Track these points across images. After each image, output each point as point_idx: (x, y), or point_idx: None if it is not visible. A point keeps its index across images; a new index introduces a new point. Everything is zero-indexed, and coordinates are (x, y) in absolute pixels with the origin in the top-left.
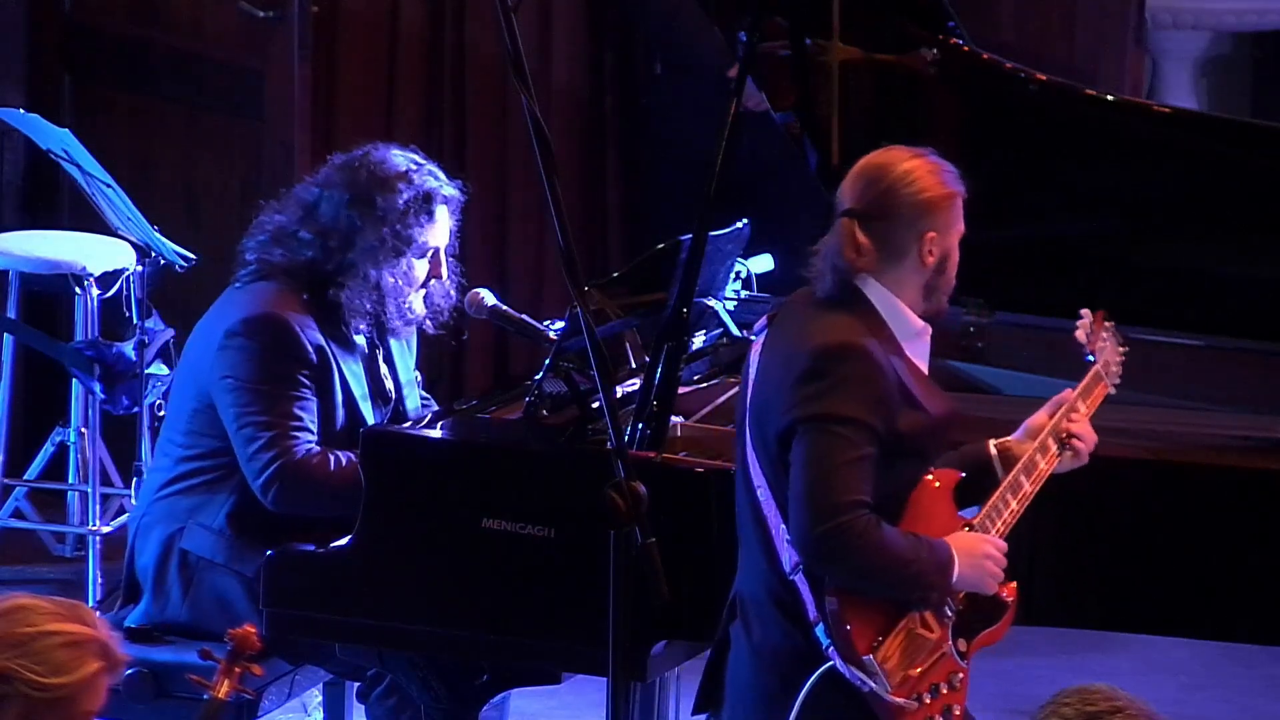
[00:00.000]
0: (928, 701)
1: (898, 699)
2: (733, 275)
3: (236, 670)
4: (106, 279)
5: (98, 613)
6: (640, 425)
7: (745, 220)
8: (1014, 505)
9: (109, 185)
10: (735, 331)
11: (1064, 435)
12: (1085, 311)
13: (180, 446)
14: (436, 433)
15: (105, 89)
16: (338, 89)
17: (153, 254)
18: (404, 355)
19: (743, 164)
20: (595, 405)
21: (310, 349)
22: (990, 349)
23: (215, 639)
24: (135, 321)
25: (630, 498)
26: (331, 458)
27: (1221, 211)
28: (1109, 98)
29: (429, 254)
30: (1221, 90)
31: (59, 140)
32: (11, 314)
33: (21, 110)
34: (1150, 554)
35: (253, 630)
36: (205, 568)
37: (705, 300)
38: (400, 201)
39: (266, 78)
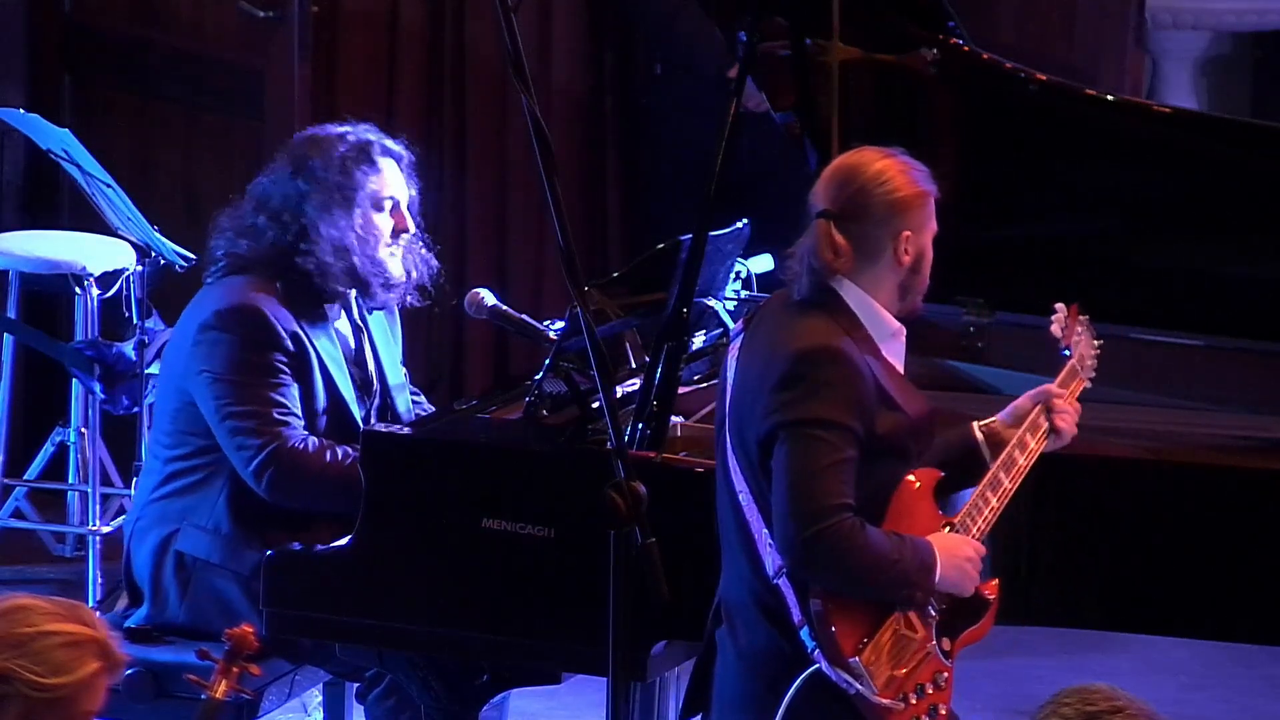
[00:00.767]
0: (914, 702)
1: (884, 700)
2: (733, 275)
3: (234, 670)
4: (106, 279)
5: (98, 613)
6: (640, 425)
7: (745, 220)
8: (994, 503)
9: (109, 185)
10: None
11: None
12: (1059, 306)
13: (167, 448)
14: (437, 433)
15: (105, 89)
16: (338, 89)
17: (153, 254)
18: (389, 344)
19: (743, 164)
20: (595, 405)
21: (286, 336)
22: (990, 349)
23: (215, 639)
24: (135, 321)
25: (630, 498)
26: (327, 446)
27: (1221, 211)
28: (1109, 98)
29: (388, 206)
30: (1221, 90)
31: (59, 140)
32: (11, 314)
33: (21, 110)
34: (1150, 554)
35: (250, 630)
36: (201, 568)
37: (705, 300)
38: (337, 155)
39: (266, 78)
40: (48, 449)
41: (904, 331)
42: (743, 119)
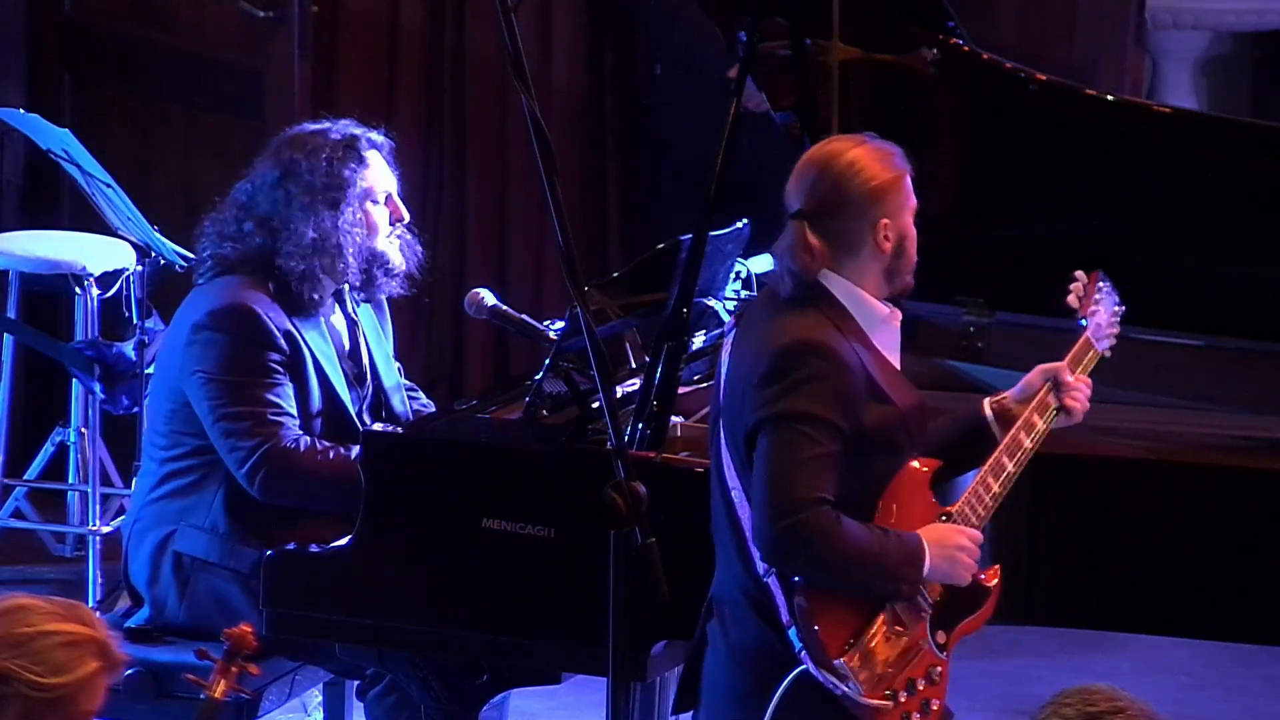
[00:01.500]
0: (903, 699)
1: (872, 700)
2: (733, 275)
3: (233, 670)
4: (106, 279)
5: (97, 613)
6: (640, 425)
7: (745, 220)
8: (996, 488)
9: (109, 185)
10: None
11: (1060, 394)
12: (1079, 274)
13: (162, 449)
14: (437, 433)
15: (105, 89)
16: (338, 89)
17: (153, 254)
18: (379, 339)
19: (743, 164)
20: (595, 405)
21: (279, 335)
22: (990, 349)
23: (215, 639)
24: (135, 321)
25: (630, 498)
26: (319, 445)
27: (1221, 211)
28: (1109, 98)
29: (382, 199)
30: (1221, 90)
31: (59, 140)
32: (11, 314)
33: (21, 110)
34: (1150, 554)
35: (249, 630)
36: (200, 568)
37: (705, 300)
38: (323, 156)
39: (266, 78)
40: (48, 449)
41: (898, 316)
42: (743, 119)
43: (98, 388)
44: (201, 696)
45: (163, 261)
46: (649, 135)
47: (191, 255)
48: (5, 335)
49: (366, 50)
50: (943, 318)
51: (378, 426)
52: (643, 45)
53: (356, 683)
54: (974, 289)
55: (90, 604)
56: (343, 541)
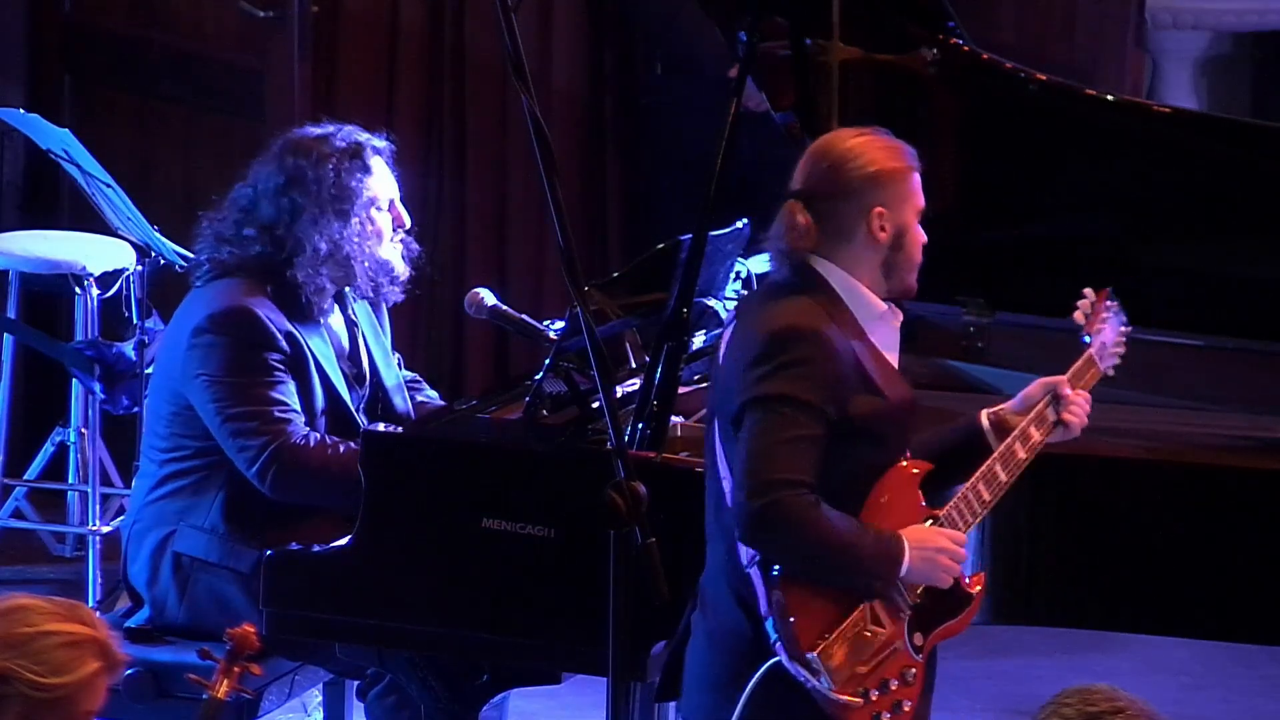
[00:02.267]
0: (874, 698)
1: (841, 696)
2: (733, 275)
3: (235, 670)
4: (106, 279)
5: (97, 613)
6: (640, 425)
7: (745, 220)
8: (986, 496)
9: (109, 185)
10: None
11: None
12: (1088, 291)
13: (162, 451)
14: (437, 433)
15: (105, 89)
16: (338, 89)
17: (153, 254)
18: (377, 336)
19: (743, 164)
20: (595, 405)
21: (280, 336)
22: (990, 349)
23: (215, 639)
24: (135, 321)
25: (630, 498)
26: (330, 443)
27: (1221, 211)
28: (1109, 98)
29: (385, 206)
30: (1221, 90)
31: (59, 140)
32: (11, 314)
33: (21, 110)
34: (1150, 554)
35: (251, 630)
36: (199, 568)
37: (705, 300)
38: (329, 165)
39: (266, 78)
40: (48, 449)
41: (898, 316)
42: (743, 119)
43: (98, 388)
44: (204, 697)
45: (163, 261)
46: (649, 135)
47: (192, 255)
48: (5, 335)
49: (366, 50)
50: (943, 318)
51: (378, 426)
52: (643, 45)
53: (356, 683)
54: (974, 289)
55: (90, 604)
56: (343, 541)
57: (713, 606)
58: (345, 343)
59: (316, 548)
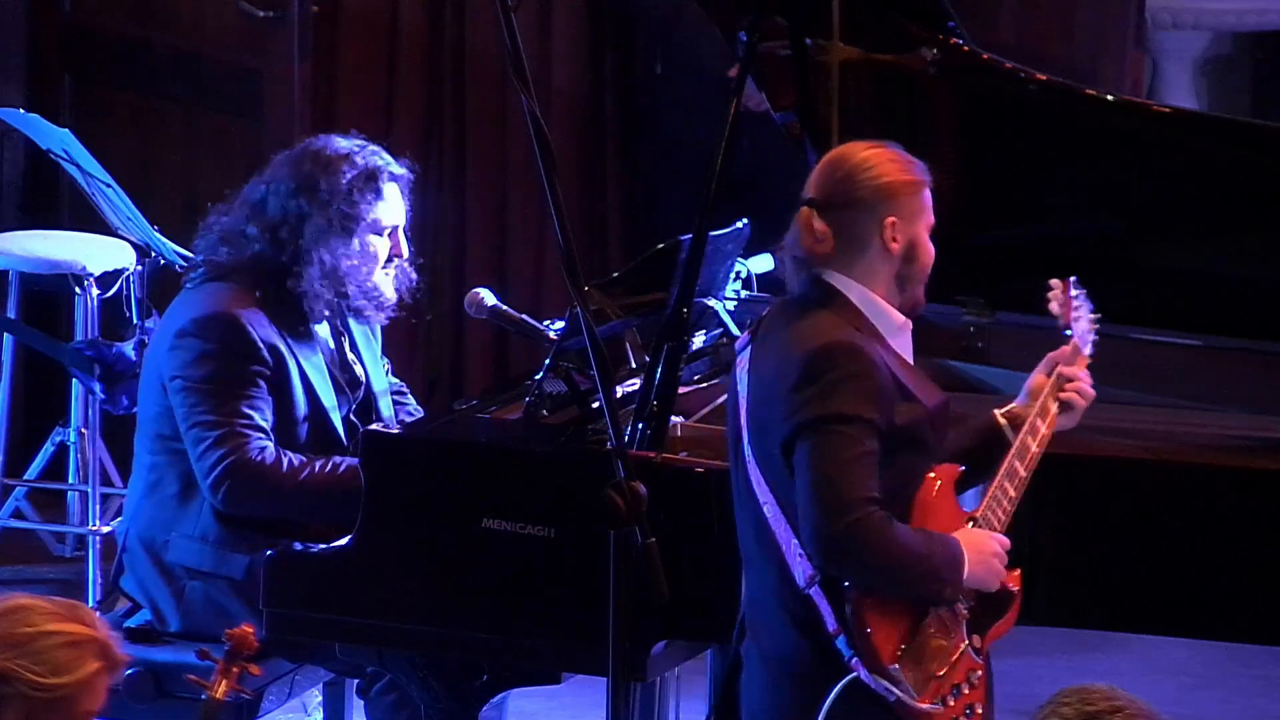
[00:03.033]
0: (951, 703)
1: (925, 705)
2: (733, 275)
3: (234, 670)
4: (106, 279)
5: (97, 613)
6: (640, 425)
7: (745, 220)
8: (1013, 493)
9: (109, 185)
10: (735, 331)
11: (1060, 392)
12: (1055, 282)
13: (151, 453)
14: (436, 433)
15: (105, 89)
16: (338, 89)
17: (153, 254)
18: (369, 342)
19: (743, 164)
20: (595, 405)
21: (263, 346)
22: (990, 349)
23: (215, 645)
24: (135, 321)
25: (630, 498)
26: (285, 459)
27: (1221, 211)
28: (1109, 98)
29: (386, 232)
30: (1221, 90)
31: (59, 140)
32: (11, 314)
33: (21, 110)
34: (1150, 554)
35: (250, 630)
36: (193, 577)
37: (705, 300)
38: (344, 181)
39: (266, 78)
40: (48, 449)
41: (909, 325)
42: (743, 119)
43: (98, 388)
44: (203, 697)
45: (163, 261)
46: (649, 135)
47: (191, 255)
48: (5, 335)
49: (366, 50)
50: (943, 318)
51: (378, 426)
52: (643, 45)
53: (356, 681)
54: (974, 289)
55: (90, 604)
56: (343, 541)
57: (766, 633)
58: (332, 348)
59: (316, 548)
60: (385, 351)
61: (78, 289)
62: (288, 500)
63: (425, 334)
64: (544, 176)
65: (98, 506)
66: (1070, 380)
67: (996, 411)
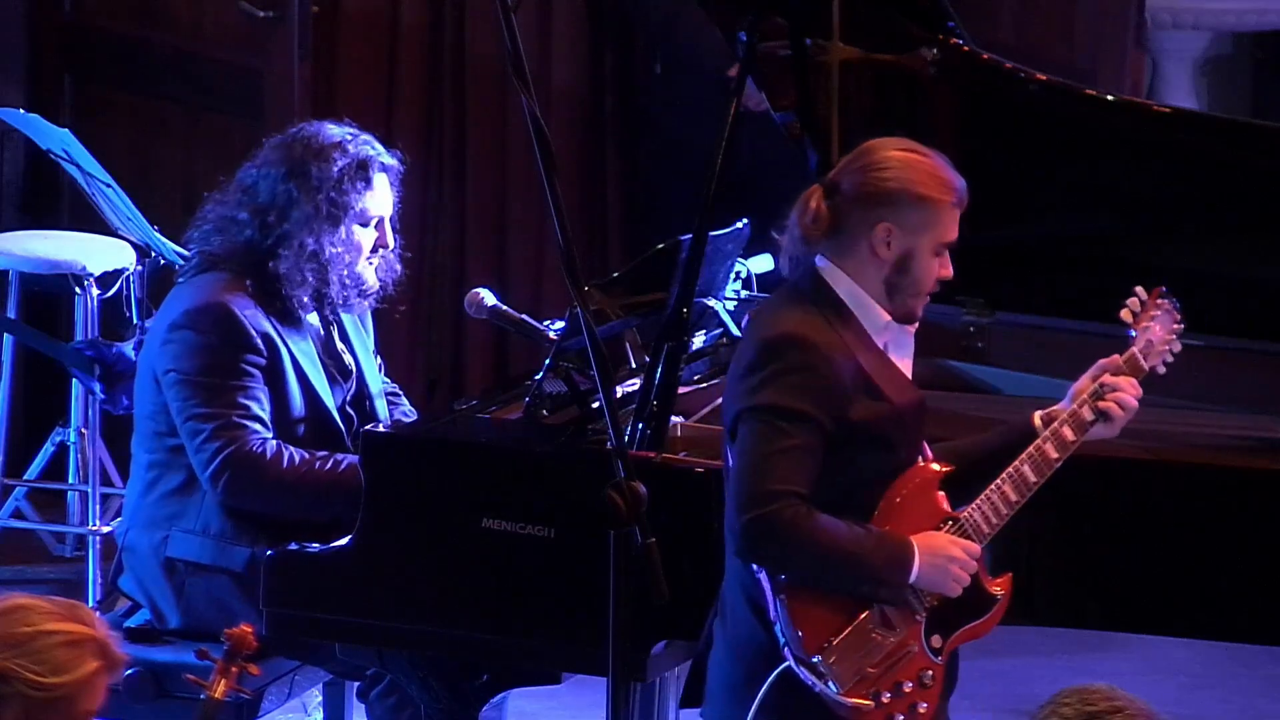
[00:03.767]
0: (886, 700)
1: (850, 700)
2: (733, 275)
3: (233, 670)
4: (106, 279)
5: (97, 613)
6: (640, 425)
7: (745, 220)
8: (1013, 497)
9: (109, 185)
10: (735, 331)
11: (1099, 399)
12: (1139, 290)
13: (148, 451)
14: (436, 433)
15: (105, 89)
16: (338, 89)
17: (153, 254)
18: (359, 333)
19: (743, 164)
20: (595, 405)
21: (257, 336)
22: (990, 349)
23: (214, 640)
24: (135, 321)
25: (630, 498)
26: (286, 453)
27: (1221, 211)
28: (1109, 98)
29: (373, 222)
30: (1221, 90)
31: (59, 140)
32: (11, 314)
33: (21, 110)
34: (1150, 554)
35: (249, 630)
36: (193, 572)
37: (705, 300)
38: (335, 169)
39: (266, 78)
40: (48, 449)
41: (908, 328)
42: (743, 119)
43: (98, 388)
44: (202, 696)
45: (163, 261)
46: (649, 135)
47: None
48: (5, 335)
49: (366, 50)
50: (943, 318)
51: (378, 426)
52: (643, 45)
53: (356, 684)
54: (974, 289)
55: (90, 604)
56: (343, 541)
57: (730, 613)
58: (322, 335)
59: (316, 548)
60: (384, 351)
61: (78, 289)
62: (287, 494)
63: (425, 334)
64: (544, 176)
65: (98, 506)
66: (1114, 389)
67: (1036, 413)
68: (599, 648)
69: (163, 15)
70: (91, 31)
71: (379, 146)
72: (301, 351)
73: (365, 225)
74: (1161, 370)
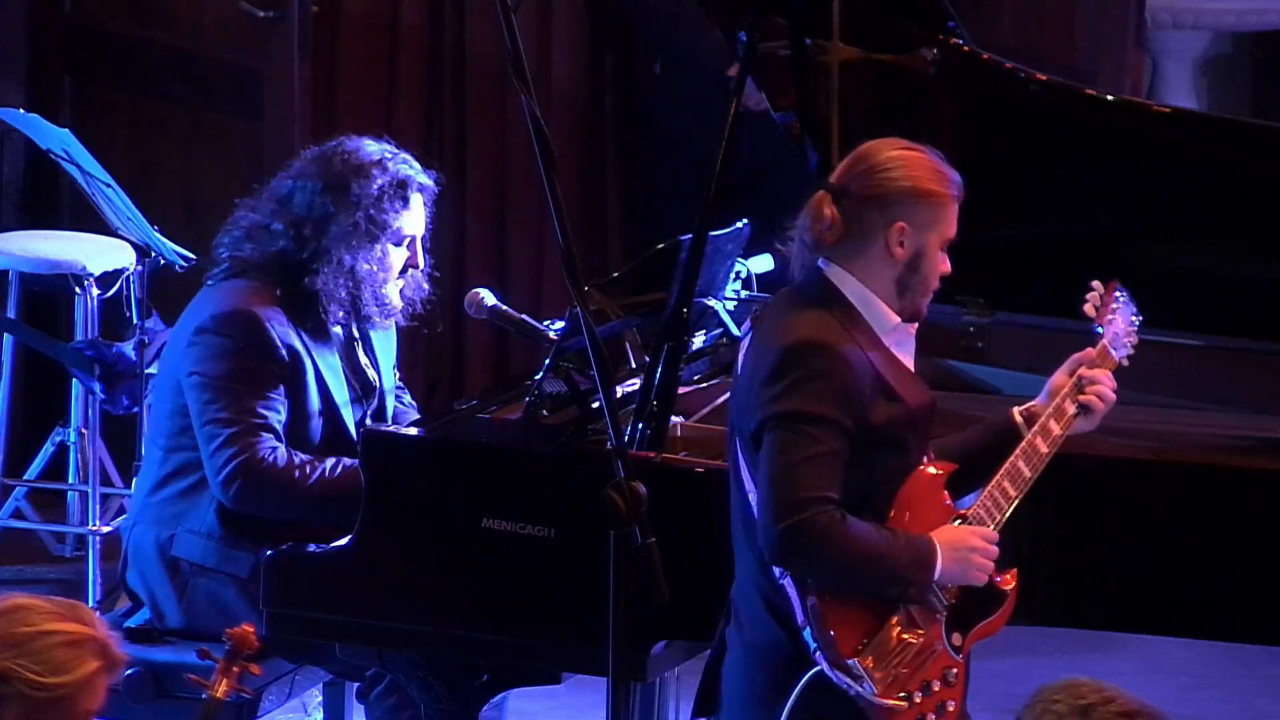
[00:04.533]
0: (918, 700)
1: (885, 700)
2: (733, 275)
3: (234, 670)
4: (106, 279)
5: (97, 613)
6: (640, 425)
7: (745, 220)
8: (1013, 493)
9: (109, 185)
10: (735, 331)
11: (1080, 392)
12: (1095, 284)
13: (163, 450)
14: (436, 433)
15: (105, 89)
16: (338, 89)
17: (153, 254)
18: (385, 351)
19: (743, 164)
20: (595, 405)
21: (281, 346)
22: (990, 349)
23: (214, 641)
24: (135, 321)
25: (630, 498)
26: (295, 460)
27: (1221, 211)
28: (1109, 98)
29: (405, 242)
30: (1221, 90)
31: (59, 140)
32: (11, 314)
33: (21, 110)
34: (1150, 554)
35: (250, 630)
36: (197, 573)
37: (705, 300)
38: (374, 187)
39: (266, 78)
40: (48, 449)
41: (911, 327)
42: (743, 119)
43: (98, 388)
44: (203, 696)
45: (163, 261)
46: (649, 135)
47: (192, 255)
48: (5, 335)
49: (366, 50)
50: (943, 318)
51: (378, 426)
52: (643, 45)
53: (357, 685)
54: (974, 289)
55: (90, 604)
56: (343, 541)
57: (748, 620)
58: (350, 353)
59: (316, 548)
60: None
61: (78, 289)
62: (296, 501)
63: (425, 334)
64: (544, 176)
65: (98, 506)
66: (1092, 383)
67: (1015, 410)
68: (599, 648)
69: (163, 15)
70: (91, 31)
71: (416, 165)
72: (327, 365)
73: (399, 245)
74: (1125, 363)
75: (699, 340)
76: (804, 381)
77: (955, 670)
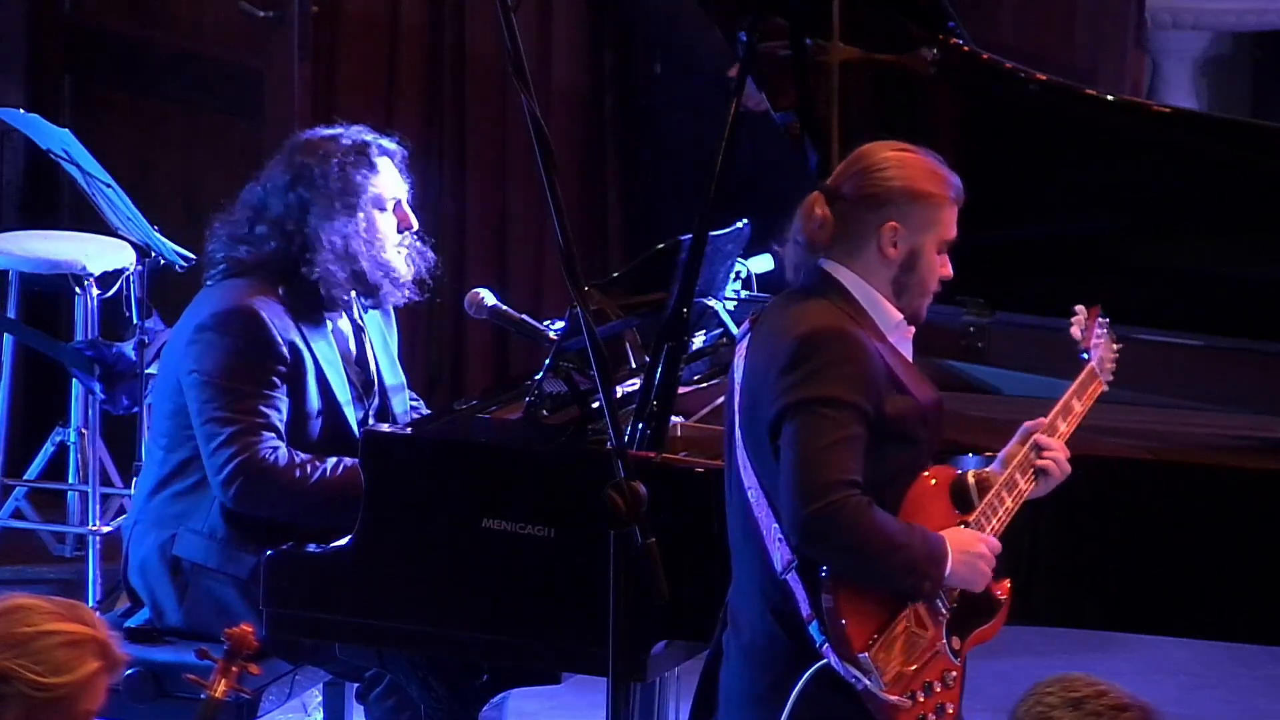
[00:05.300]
0: (921, 699)
1: (891, 697)
2: (733, 275)
3: (234, 670)
4: (106, 279)
5: (97, 613)
6: (640, 425)
7: (745, 220)
8: (1009, 503)
9: (109, 185)
10: (735, 331)
11: (1035, 460)
12: (1079, 308)
13: (164, 449)
14: (436, 433)
15: (105, 89)
16: (338, 89)
17: (153, 254)
18: (385, 340)
19: (743, 164)
20: (595, 405)
21: (282, 344)
22: (990, 349)
23: (214, 641)
24: (135, 321)
25: (630, 498)
26: (296, 460)
27: (1221, 211)
28: (1109, 98)
29: (390, 206)
30: (1221, 90)
31: (59, 140)
32: (11, 314)
33: (21, 110)
34: (1150, 554)
35: (250, 630)
36: (198, 573)
37: (705, 300)
38: (334, 161)
39: (266, 78)
40: (48, 449)
41: (911, 329)
42: (743, 119)
43: (98, 388)
44: (202, 696)
45: (163, 261)
46: (649, 135)
47: (192, 255)
48: (5, 335)
49: (366, 50)
50: (943, 318)
51: (378, 426)
52: (643, 45)
53: (356, 685)
54: (974, 289)
55: (90, 604)
56: (343, 541)
57: (745, 622)
58: (352, 347)
59: (316, 548)
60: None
61: (78, 289)
62: (297, 502)
63: (425, 333)
64: (544, 176)
65: (98, 506)
66: (1047, 449)
67: (969, 474)
68: (599, 648)
69: (163, 15)
70: (91, 31)
71: (373, 134)
72: (328, 362)
73: (383, 210)
74: (1106, 389)
75: (699, 340)
76: (824, 367)
77: (954, 674)
